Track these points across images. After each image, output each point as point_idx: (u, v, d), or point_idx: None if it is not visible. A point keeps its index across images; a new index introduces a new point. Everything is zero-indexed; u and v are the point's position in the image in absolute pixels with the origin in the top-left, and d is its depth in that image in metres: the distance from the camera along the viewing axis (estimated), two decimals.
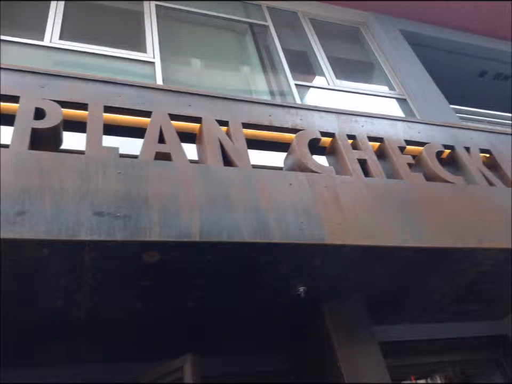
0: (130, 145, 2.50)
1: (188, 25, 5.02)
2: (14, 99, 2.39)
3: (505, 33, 6.69)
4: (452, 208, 2.81)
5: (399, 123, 3.43)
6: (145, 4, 4.79)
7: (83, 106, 2.52)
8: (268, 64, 4.81)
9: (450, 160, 3.36)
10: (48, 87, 2.52)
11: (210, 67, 4.86)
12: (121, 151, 2.32)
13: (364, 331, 2.81)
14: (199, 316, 2.75)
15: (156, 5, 4.83)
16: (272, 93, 4.49)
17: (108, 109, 2.58)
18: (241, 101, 3.03)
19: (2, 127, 2.33)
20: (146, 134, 2.50)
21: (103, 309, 2.46)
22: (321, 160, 2.96)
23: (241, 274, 2.46)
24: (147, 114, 2.64)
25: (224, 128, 2.75)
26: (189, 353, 2.48)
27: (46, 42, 3.88)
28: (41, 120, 2.33)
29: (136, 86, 2.78)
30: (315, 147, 2.92)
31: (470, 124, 4.65)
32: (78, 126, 2.46)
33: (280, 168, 2.88)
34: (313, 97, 4.62)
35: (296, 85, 4.56)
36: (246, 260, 2.32)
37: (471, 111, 5.30)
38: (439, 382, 3.84)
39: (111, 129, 2.55)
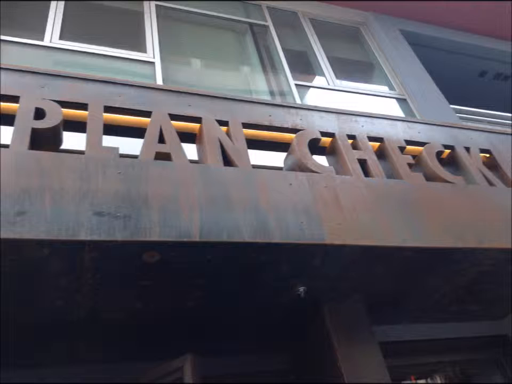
0: (130, 145, 2.50)
1: (188, 25, 5.02)
2: (14, 99, 2.39)
3: (505, 33, 6.69)
4: (452, 208, 2.81)
5: (399, 123, 3.43)
6: (145, 3, 4.79)
7: (83, 106, 2.52)
8: (268, 64, 4.81)
9: (450, 160, 3.36)
10: (48, 87, 2.52)
11: (210, 67, 4.86)
12: (121, 151, 2.32)
13: (364, 331, 2.81)
14: (199, 316, 2.75)
15: (156, 5, 4.83)
16: (272, 93, 4.49)
17: (108, 109, 2.58)
18: (241, 101, 3.03)
19: (2, 127, 2.33)
20: (146, 134, 2.50)
21: (103, 309, 2.46)
22: (321, 160, 2.96)
23: (241, 274, 2.46)
24: (147, 114, 2.64)
25: (224, 128, 2.75)
26: (189, 353, 2.48)
27: (46, 42, 3.88)
28: (41, 120, 2.33)
29: (136, 86, 2.78)
30: (315, 147, 2.92)
31: (470, 124, 4.65)
32: (78, 126, 2.46)
33: (280, 168, 2.88)
34: (313, 97, 4.62)
35: (296, 85, 4.56)
36: (246, 259, 2.32)
37: (471, 111, 5.30)
38: (439, 382, 3.84)
39: (111, 129, 2.55)
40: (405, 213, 2.65)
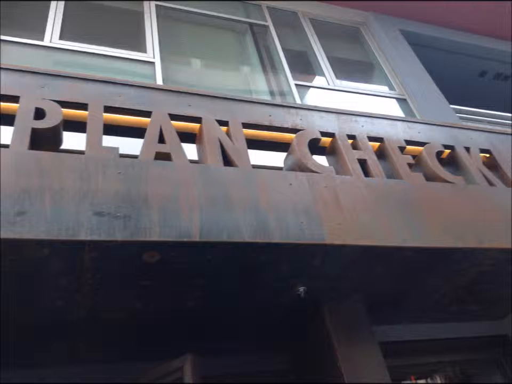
0: (131, 145, 2.50)
1: (188, 25, 5.02)
2: (14, 99, 2.39)
3: (505, 33, 6.69)
4: (452, 208, 2.81)
5: (399, 123, 3.43)
6: (145, 3, 4.79)
7: (83, 106, 2.52)
8: (268, 64, 4.81)
9: (450, 160, 3.36)
10: (48, 87, 2.52)
11: (210, 67, 4.86)
12: (121, 151, 2.32)
13: (364, 331, 2.81)
14: (199, 316, 2.75)
15: (156, 5, 4.83)
16: (272, 93, 4.49)
17: (108, 109, 2.58)
18: (241, 101, 3.03)
19: (2, 127, 2.33)
20: (146, 134, 2.50)
21: (103, 309, 2.46)
22: (321, 160, 2.96)
23: (241, 274, 2.46)
24: (147, 114, 2.64)
25: (224, 128, 2.75)
26: (189, 353, 2.48)
27: (46, 42, 3.88)
28: (41, 120, 2.33)
29: (136, 86, 2.78)
30: (315, 147, 2.92)
31: (470, 124, 4.64)
32: (78, 126, 2.46)
33: (280, 168, 2.88)
34: (313, 97, 4.62)
35: (296, 85, 4.56)
36: (246, 260, 2.32)
37: (471, 111, 5.30)
38: (439, 382, 3.84)
39: (111, 129, 2.55)
40: (405, 213, 2.65)
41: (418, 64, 5.56)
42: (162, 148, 2.45)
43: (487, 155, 3.51)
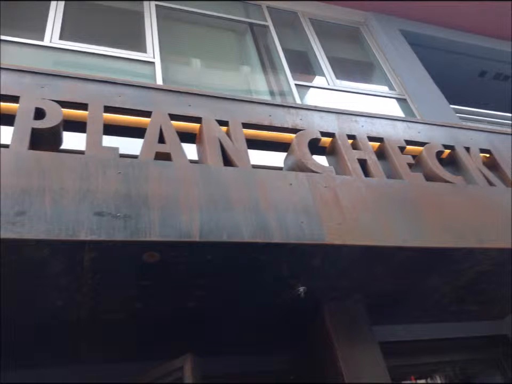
0: (131, 145, 2.50)
1: (188, 25, 5.02)
2: (14, 99, 2.39)
3: (505, 33, 6.69)
4: (452, 208, 2.81)
5: (399, 123, 3.43)
6: (145, 3, 4.79)
7: (83, 106, 2.52)
8: (268, 64, 4.81)
9: (450, 160, 3.36)
10: (48, 87, 2.53)
11: (210, 67, 4.86)
12: (121, 151, 2.32)
13: (364, 331, 2.81)
14: (199, 316, 2.75)
15: (156, 5, 4.83)
16: (272, 93, 4.49)
17: (108, 109, 2.58)
18: (241, 101, 3.03)
19: (2, 127, 2.33)
20: (146, 134, 2.50)
21: (103, 309, 2.46)
22: (321, 160, 2.96)
23: (241, 274, 2.46)
24: (147, 114, 2.64)
25: (224, 128, 2.75)
26: (189, 353, 2.48)
27: (46, 42, 3.88)
28: (41, 120, 2.33)
29: (136, 86, 2.78)
30: (315, 147, 2.92)
31: (470, 124, 4.64)
32: (78, 126, 2.46)
33: (280, 168, 2.88)
34: (313, 97, 4.62)
35: (296, 85, 4.55)
36: (246, 260, 2.32)
37: (471, 111, 5.30)
38: (439, 382, 3.84)
39: (111, 129, 2.55)
40: (405, 213, 2.65)
41: (418, 64, 5.56)
42: (162, 148, 2.45)
43: (487, 155, 3.51)
